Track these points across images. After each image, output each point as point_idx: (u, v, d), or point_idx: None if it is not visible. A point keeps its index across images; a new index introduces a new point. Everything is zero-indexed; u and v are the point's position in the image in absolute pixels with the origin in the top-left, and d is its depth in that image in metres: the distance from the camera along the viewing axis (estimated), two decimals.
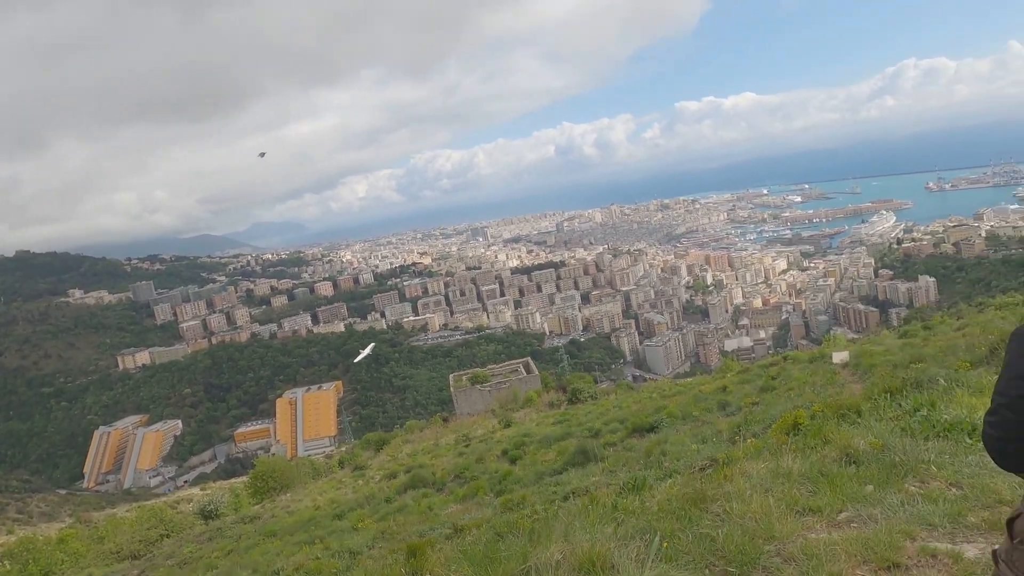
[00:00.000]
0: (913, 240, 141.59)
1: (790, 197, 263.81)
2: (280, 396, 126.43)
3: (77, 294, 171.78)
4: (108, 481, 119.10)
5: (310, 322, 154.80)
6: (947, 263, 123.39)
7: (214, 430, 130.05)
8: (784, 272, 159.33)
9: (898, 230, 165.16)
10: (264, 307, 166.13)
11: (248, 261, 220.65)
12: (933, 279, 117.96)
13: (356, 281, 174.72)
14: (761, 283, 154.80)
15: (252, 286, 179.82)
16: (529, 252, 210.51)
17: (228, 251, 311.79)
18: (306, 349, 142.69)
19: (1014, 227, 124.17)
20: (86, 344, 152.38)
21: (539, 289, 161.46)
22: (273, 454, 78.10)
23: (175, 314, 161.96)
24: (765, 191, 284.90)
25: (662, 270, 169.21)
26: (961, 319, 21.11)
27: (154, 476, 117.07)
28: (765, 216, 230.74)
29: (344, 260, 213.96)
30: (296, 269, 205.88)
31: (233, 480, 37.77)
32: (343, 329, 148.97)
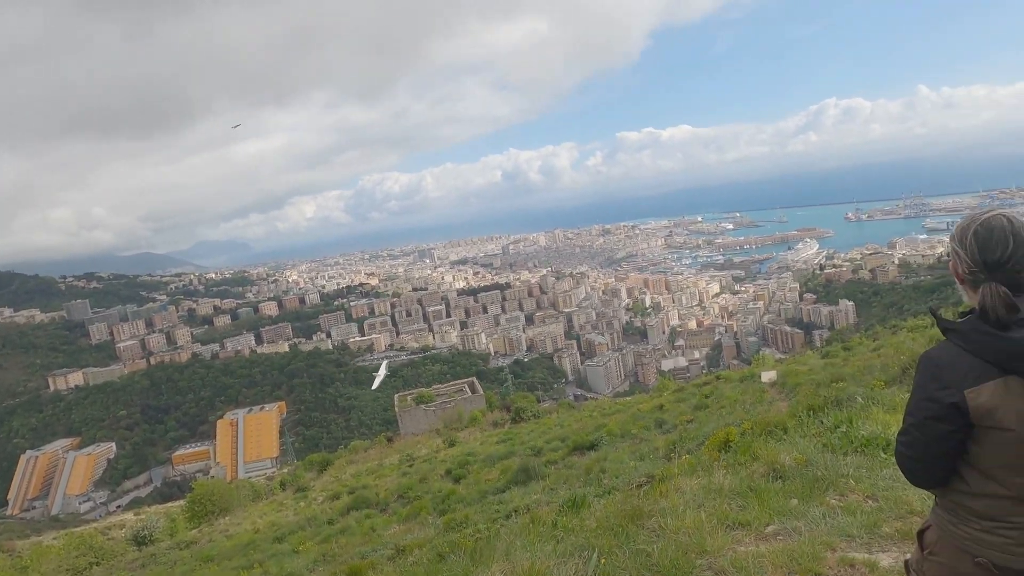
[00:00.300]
0: (834, 266, 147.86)
1: (723, 224, 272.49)
2: (221, 417, 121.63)
3: (7, 312, 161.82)
4: (34, 507, 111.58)
5: (254, 342, 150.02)
6: (864, 288, 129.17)
7: (150, 453, 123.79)
8: (717, 295, 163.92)
9: (821, 257, 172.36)
10: (206, 327, 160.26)
11: (191, 280, 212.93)
12: (852, 303, 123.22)
13: (302, 301, 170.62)
14: (696, 306, 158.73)
15: (194, 305, 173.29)
16: (475, 274, 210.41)
17: (170, 270, 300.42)
18: (249, 369, 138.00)
19: (923, 255, 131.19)
20: (14, 364, 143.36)
21: (485, 310, 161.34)
22: (212, 476, 74.93)
23: (112, 334, 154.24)
24: (700, 218, 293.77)
25: (603, 292, 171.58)
26: (877, 340, 22.04)
27: (84, 501, 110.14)
28: (700, 242, 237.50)
29: (290, 280, 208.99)
30: (240, 289, 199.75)
31: (169, 504, 35.87)
32: (287, 349, 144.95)
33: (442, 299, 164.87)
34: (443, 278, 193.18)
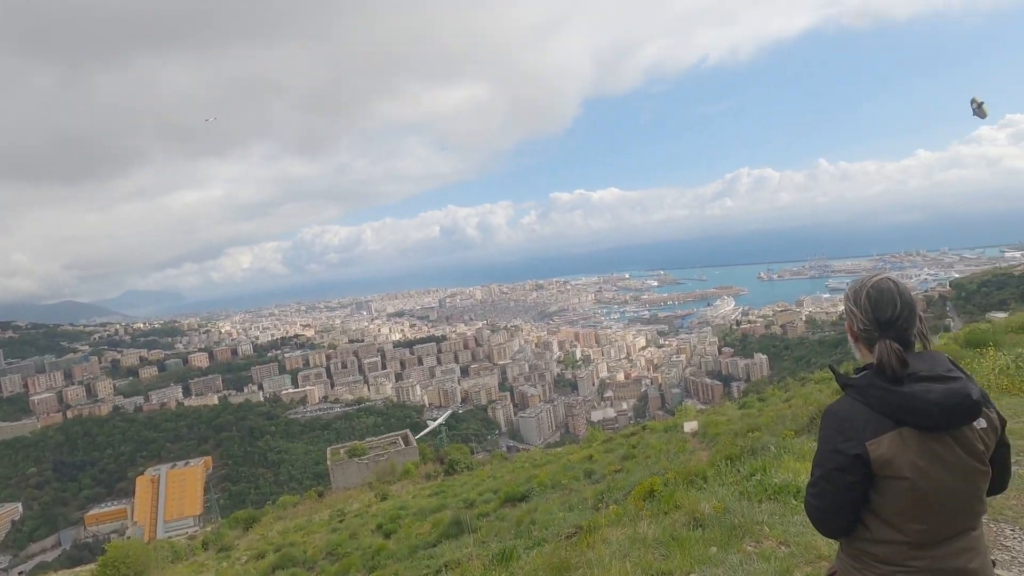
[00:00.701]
0: (749, 322, 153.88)
1: (648, 281, 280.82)
2: (141, 473, 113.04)
3: None
4: None
5: (181, 394, 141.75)
6: (776, 342, 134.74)
7: (61, 513, 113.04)
8: (643, 349, 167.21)
9: (737, 313, 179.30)
10: (131, 379, 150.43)
11: (116, 330, 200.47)
12: (765, 356, 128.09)
13: (234, 352, 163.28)
14: (624, 358, 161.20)
15: (119, 356, 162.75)
16: (412, 326, 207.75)
17: (95, 319, 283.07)
18: (175, 423, 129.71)
19: (827, 313, 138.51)
20: None
21: (420, 362, 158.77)
22: (128, 537, 69.02)
23: (26, 386, 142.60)
24: (627, 275, 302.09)
25: (536, 345, 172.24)
26: (788, 392, 22.85)
27: None
28: (627, 298, 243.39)
29: (223, 331, 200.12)
30: (170, 339, 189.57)
31: (79, 568, 32.74)
32: (216, 402, 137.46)
33: (378, 351, 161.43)
34: (380, 330, 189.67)
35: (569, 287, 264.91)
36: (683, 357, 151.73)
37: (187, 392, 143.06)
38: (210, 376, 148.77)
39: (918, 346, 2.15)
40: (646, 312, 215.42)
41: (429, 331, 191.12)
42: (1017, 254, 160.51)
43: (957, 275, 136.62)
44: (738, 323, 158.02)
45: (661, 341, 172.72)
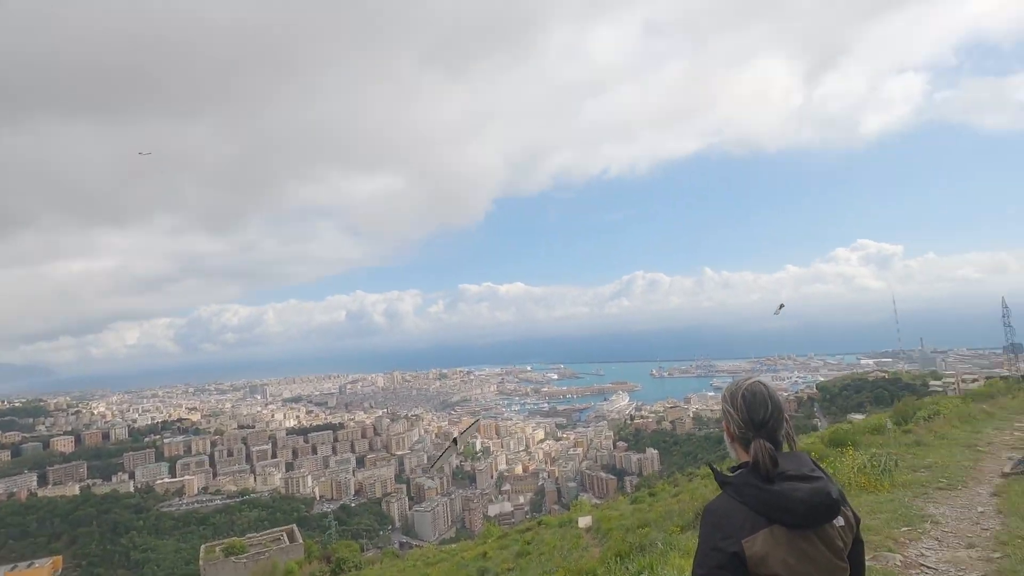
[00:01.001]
0: (642, 417, 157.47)
1: (549, 374, 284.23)
2: None
3: None
4: None
5: (36, 483, 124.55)
6: (667, 437, 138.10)
7: None
8: (542, 441, 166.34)
9: (631, 408, 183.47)
10: None
11: None
12: (657, 451, 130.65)
13: (106, 436, 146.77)
14: (523, 451, 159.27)
15: None
16: (309, 413, 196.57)
17: None
18: (23, 516, 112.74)
19: (712, 410, 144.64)
20: None
21: (314, 451, 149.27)
22: None
23: None
24: (529, 368, 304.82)
25: (436, 436, 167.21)
26: (677, 487, 23.30)
27: None
28: (528, 390, 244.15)
29: (95, 412, 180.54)
30: (31, 420, 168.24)
31: None
32: (78, 492, 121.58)
33: (269, 438, 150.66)
34: (273, 416, 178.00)
35: (473, 377, 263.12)
36: (580, 450, 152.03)
37: (43, 480, 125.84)
38: (73, 463, 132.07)
39: (785, 446, 2.27)
40: (546, 405, 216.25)
41: (326, 418, 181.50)
42: (870, 362, 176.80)
43: (822, 378, 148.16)
44: (632, 418, 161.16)
45: (559, 434, 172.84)
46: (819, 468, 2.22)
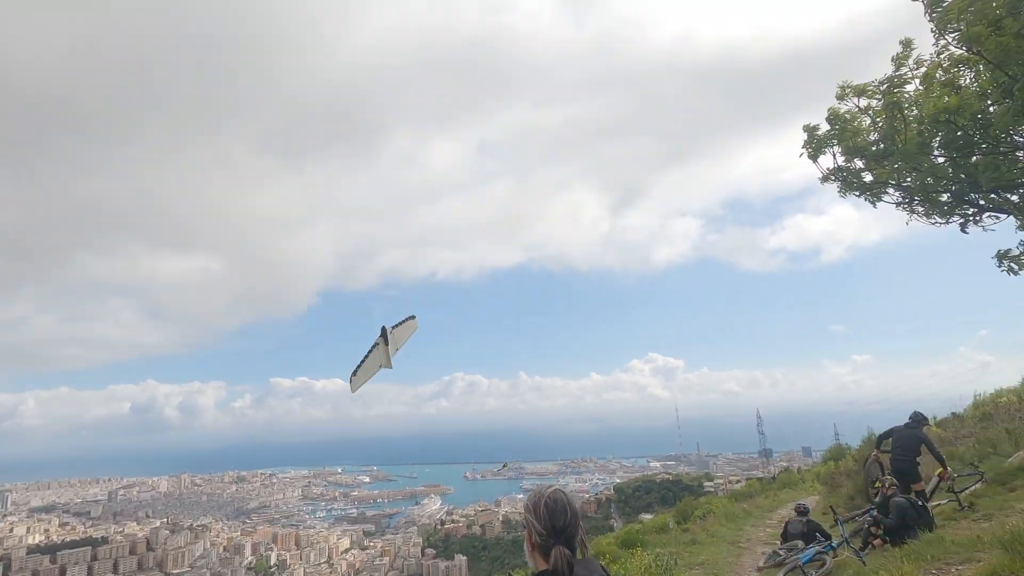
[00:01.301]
0: (453, 522, 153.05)
1: (360, 477, 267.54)
2: None
3: None
4: None
5: None
6: (476, 543, 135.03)
7: None
8: (346, 551, 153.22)
9: (442, 512, 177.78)
10: None
11: None
12: (466, 557, 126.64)
13: None
14: (324, 563, 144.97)
15: None
16: (63, 525, 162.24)
17: None
18: None
19: (519, 513, 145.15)
20: None
21: (63, 573, 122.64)
22: None
23: None
24: (340, 470, 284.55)
25: (225, 549, 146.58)
26: None
27: None
28: (337, 494, 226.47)
29: None
30: None
31: None
32: None
33: (1, 559, 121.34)
34: (12, 530, 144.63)
35: (275, 480, 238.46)
36: (387, 560, 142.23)
37: None
38: None
39: (579, 553, 2.35)
40: (354, 510, 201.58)
41: (86, 531, 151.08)
42: (658, 464, 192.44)
43: (619, 480, 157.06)
44: (442, 523, 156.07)
45: (366, 542, 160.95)
46: (607, 573, 2.33)
